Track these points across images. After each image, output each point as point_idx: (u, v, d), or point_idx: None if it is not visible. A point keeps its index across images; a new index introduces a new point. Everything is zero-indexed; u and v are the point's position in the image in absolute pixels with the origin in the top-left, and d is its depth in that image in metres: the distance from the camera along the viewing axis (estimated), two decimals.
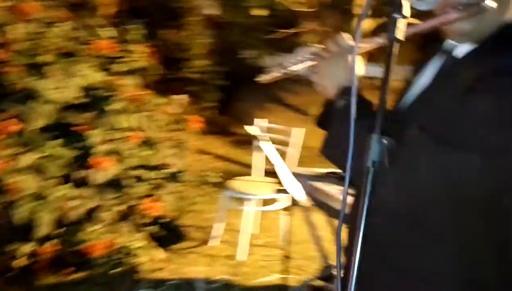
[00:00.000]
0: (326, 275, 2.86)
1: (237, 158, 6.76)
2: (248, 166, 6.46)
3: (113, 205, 3.43)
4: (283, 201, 3.91)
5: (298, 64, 1.32)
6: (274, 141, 4.16)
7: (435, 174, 1.01)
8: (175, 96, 4.94)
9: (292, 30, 6.77)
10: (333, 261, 2.95)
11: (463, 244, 1.07)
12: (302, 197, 2.46)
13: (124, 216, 3.49)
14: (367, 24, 5.72)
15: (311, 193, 2.67)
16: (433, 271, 1.11)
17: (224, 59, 7.67)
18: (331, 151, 1.19)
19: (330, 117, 1.36)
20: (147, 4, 6.38)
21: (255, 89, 8.77)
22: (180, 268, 3.54)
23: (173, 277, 3.38)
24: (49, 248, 3.08)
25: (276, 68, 1.38)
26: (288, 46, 8.62)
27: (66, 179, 3.29)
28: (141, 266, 3.41)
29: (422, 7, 1.07)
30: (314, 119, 1.47)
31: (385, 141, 0.88)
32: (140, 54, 3.94)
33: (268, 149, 2.44)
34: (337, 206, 2.54)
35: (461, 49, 1.15)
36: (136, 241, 3.42)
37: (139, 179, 3.62)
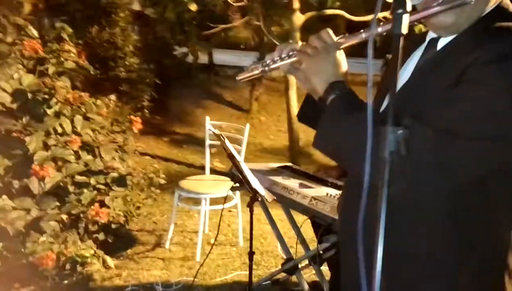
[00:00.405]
0: (289, 268, 2.84)
1: (176, 158, 6.64)
2: (189, 165, 6.38)
3: (58, 214, 3.25)
4: (237, 198, 3.87)
5: (279, 61, 1.31)
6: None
7: (430, 161, 1.02)
8: (111, 97, 4.76)
9: (224, 25, 6.69)
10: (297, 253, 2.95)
11: (457, 229, 1.10)
12: (264, 192, 2.43)
13: (71, 225, 3.32)
14: (298, 19, 5.78)
15: (271, 187, 2.66)
16: (429, 254, 1.13)
17: (156, 56, 7.49)
18: (325, 144, 1.19)
19: (311, 112, 1.37)
20: (71, 1, 6.10)
21: (189, 86, 8.68)
22: (135, 273, 3.41)
23: (130, 283, 3.25)
24: None
25: (256, 65, 1.36)
26: (221, 41, 8.58)
27: (6, 189, 3.08)
28: (94, 275, 3.26)
29: (414, 1, 1.07)
30: (296, 115, 1.46)
31: (400, 131, 0.86)
32: (68, 54, 3.75)
33: (231, 146, 2.40)
34: (298, 198, 2.53)
35: (442, 42, 1.18)
36: (85, 249, 3.26)
37: (83, 185, 3.46)
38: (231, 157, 2.44)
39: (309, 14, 5.84)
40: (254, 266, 3.58)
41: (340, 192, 2.56)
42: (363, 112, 1.05)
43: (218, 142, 4.09)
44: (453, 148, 1.01)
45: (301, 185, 2.66)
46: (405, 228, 1.11)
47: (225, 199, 3.62)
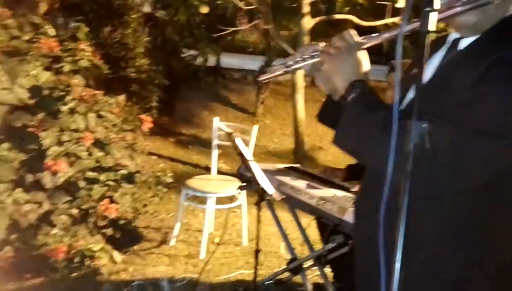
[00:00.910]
0: (293, 268, 2.91)
1: (182, 158, 6.72)
2: (194, 166, 6.46)
3: (68, 208, 3.33)
4: (242, 198, 3.94)
5: (301, 62, 1.36)
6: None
7: (445, 159, 1.05)
8: (121, 96, 4.85)
9: (234, 28, 6.78)
10: (300, 254, 3.02)
11: (464, 226, 1.13)
12: (273, 192, 2.51)
13: (81, 219, 3.40)
14: (307, 23, 5.86)
15: (278, 187, 2.73)
16: (434, 256, 1.16)
17: (164, 58, 7.57)
18: (345, 141, 1.23)
19: (331, 113, 1.41)
20: (85, 1, 6.21)
21: (196, 88, 8.77)
22: (142, 269, 3.49)
23: (137, 278, 3.33)
24: (7, 253, 2.96)
25: (278, 66, 1.42)
26: (228, 44, 8.66)
27: (20, 183, 3.17)
28: (101, 269, 3.34)
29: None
30: (316, 115, 1.51)
31: (424, 125, 0.91)
32: (84, 53, 3.84)
33: (242, 145, 2.47)
34: (305, 199, 2.60)
35: (464, 42, 1.20)
36: (94, 244, 3.34)
37: (93, 181, 3.54)
38: (241, 155, 2.52)
39: (318, 18, 5.91)
40: (257, 266, 3.67)
41: (347, 193, 2.63)
42: (384, 111, 1.11)
43: (225, 143, 4.19)
44: (468, 146, 1.03)
45: (308, 186, 2.72)
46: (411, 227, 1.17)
47: (232, 199, 3.72)
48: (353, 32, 1.27)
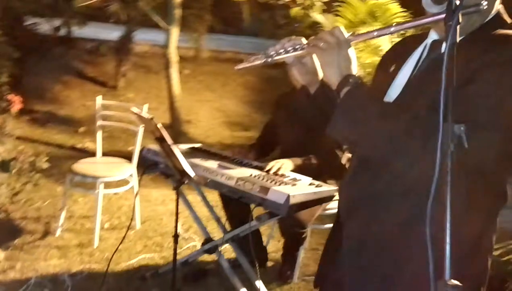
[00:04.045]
0: (210, 247, 2.89)
1: (41, 138, 6.21)
2: (59, 146, 6.00)
3: None
4: (133, 181, 3.78)
5: (283, 53, 1.38)
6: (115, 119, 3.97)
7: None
8: None
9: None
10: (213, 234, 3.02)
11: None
12: (193, 174, 2.44)
13: None
14: None
15: (194, 170, 2.66)
16: None
17: (9, 27, 6.82)
18: (343, 130, 1.28)
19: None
20: None
21: (44, 60, 8.04)
22: (31, 265, 3.19)
23: (29, 275, 3.04)
24: None
25: (259, 56, 1.41)
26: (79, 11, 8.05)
27: None
28: None
29: (434, 10, 1.19)
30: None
31: (462, 127, 0.96)
32: None
33: (164, 130, 2.35)
34: (222, 180, 2.57)
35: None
36: None
37: None
38: (160, 140, 2.41)
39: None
40: (157, 248, 3.60)
41: (259, 172, 2.66)
42: (379, 103, 1.26)
43: (109, 123, 3.96)
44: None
45: (220, 166, 2.70)
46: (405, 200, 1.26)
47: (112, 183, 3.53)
48: (342, 28, 1.31)
